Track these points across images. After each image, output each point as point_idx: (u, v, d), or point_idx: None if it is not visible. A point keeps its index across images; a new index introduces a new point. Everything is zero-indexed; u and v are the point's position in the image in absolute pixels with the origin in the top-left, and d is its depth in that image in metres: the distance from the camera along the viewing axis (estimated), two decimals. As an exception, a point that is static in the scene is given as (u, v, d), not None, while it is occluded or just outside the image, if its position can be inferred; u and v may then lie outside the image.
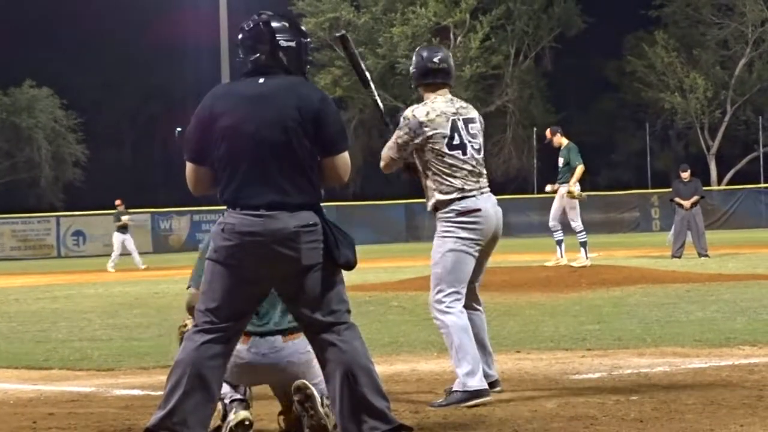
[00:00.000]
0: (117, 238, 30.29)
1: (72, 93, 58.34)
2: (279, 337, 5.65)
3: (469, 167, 6.67)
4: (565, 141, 17.77)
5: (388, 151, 6.74)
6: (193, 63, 58.77)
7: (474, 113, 6.82)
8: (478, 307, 6.86)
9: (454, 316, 6.57)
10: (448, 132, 6.64)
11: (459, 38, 55.70)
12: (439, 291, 6.61)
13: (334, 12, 54.92)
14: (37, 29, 63.51)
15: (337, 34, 6.86)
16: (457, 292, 6.61)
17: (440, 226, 6.67)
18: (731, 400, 6.29)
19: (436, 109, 6.68)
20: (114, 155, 68.52)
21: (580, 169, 17.34)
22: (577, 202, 17.47)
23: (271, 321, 5.64)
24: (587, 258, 17.32)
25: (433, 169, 6.65)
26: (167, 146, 62.44)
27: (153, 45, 61.32)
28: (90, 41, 63.94)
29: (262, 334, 5.62)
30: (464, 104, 6.87)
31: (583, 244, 17.42)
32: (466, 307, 6.72)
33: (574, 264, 17.06)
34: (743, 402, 6.21)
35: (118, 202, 30.93)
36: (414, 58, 6.89)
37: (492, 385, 6.69)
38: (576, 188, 17.37)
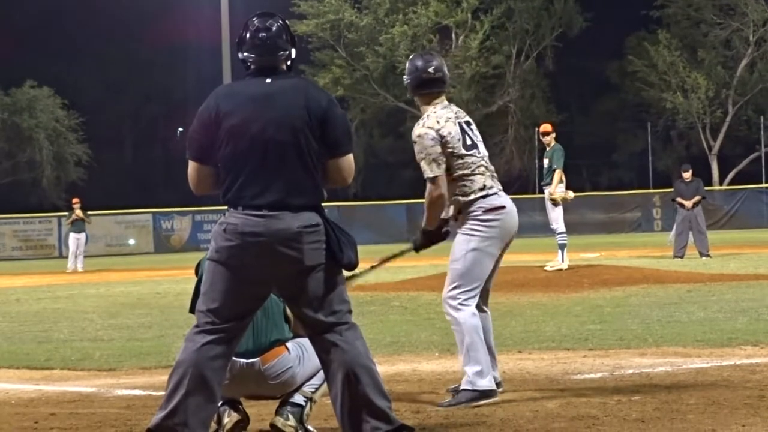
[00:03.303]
0: (72, 237, 30.80)
1: (73, 93, 58.35)
2: (258, 361, 5.54)
3: (485, 164, 6.72)
4: (553, 142, 17.63)
5: (431, 173, 6.54)
6: (195, 63, 58.83)
7: (468, 117, 6.88)
8: (485, 308, 6.86)
9: (468, 314, 6.57)
10: (460, 134, 6.66)
11: (461, 38, 55.72)
12: (456, 288, 6.61)
13: (336, 14, 54.95)
14: (37, 29, 63.52)
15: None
16: (473, 290, 6.62)
17: (467, 224, 6.65)
18: (733, 400, 6.28)
19: (442, 116, 6.68)
20: (115, 155, 68.53)
21: (558, 173, 17.06)
22: (560, 204, 17.31)
23: (249, 340, 5.51)
24: (563, 261, 17.05)
25: (454, 174, 6.62)
26: (169, 146, 62.51)
27: (154, 45, 61.35)
28: (90, 41, 63.96)
29: (241, 355, 5.49)
30: (458, 108, 6.91)
31: (562, 247, 17.16)
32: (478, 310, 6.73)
33: (548, 267, 16.86)
34: (745, 402, 6.21)
35: (75, 200, 31.14)
36: (408, 66, 6.85)
37: (496, 385, 6.69)
38: (560, 191, 17.20)
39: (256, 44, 5.17)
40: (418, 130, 6.67)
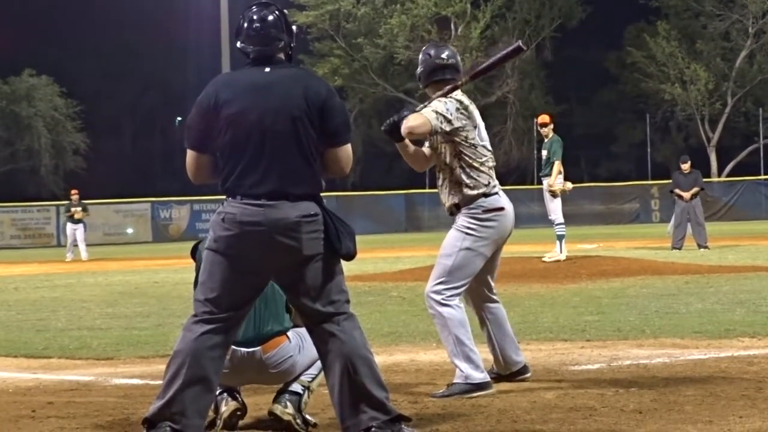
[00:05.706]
0: (69, 228, 30.85)
1: (71, 82, 58.32)
2: (259, 350, 5.53)
3: (492, 162, 6.67)
4: (551, 133, 17.65)
5: (425, 117, 6.36)
6: (194, 53, 58.77)
7: None
8: (497, 298, 6.88)
9: (453, 310, 6.55)
10: (478, 122, 6.61)
11: (460, 28, 55.64)
12: (441, 283, 6.57)
13: (334, 4, 54.90)
14: (36, 18, 63.44)
15: (517, 45, 6.53)
16: (458, 288, 6.58)
17: (463, 221, 6.59)
18: (730, 391, 6.29)
19: (464, 99, 6.59)
20: (114, 144, 68.49)
21: (557, 165, 17.11)
22: (558, 196, 17.34)
23: (251, 329, 5.51)
24: (561, 252, 17.06)
25: (464, 162, 6.54)
26: (167, 135, 62.45)
27: (153, 35, 61.28)
28: (89, 30, 63.91)
29: (242, 344, 5.49)
30: None
31: (560, 238, 17.19)
32: (486, 300, 6.77)
33: (546, 258, 16.87)
34: (742, 393, 6.21)
35: (73, 191, 31.13)
36: (420, 57, 6.77)
37: (522, 370, 6.82)
38: (558, 182, 17.23)
39: (251, 34, 5.17)
40: (443, 100, 6.47)
